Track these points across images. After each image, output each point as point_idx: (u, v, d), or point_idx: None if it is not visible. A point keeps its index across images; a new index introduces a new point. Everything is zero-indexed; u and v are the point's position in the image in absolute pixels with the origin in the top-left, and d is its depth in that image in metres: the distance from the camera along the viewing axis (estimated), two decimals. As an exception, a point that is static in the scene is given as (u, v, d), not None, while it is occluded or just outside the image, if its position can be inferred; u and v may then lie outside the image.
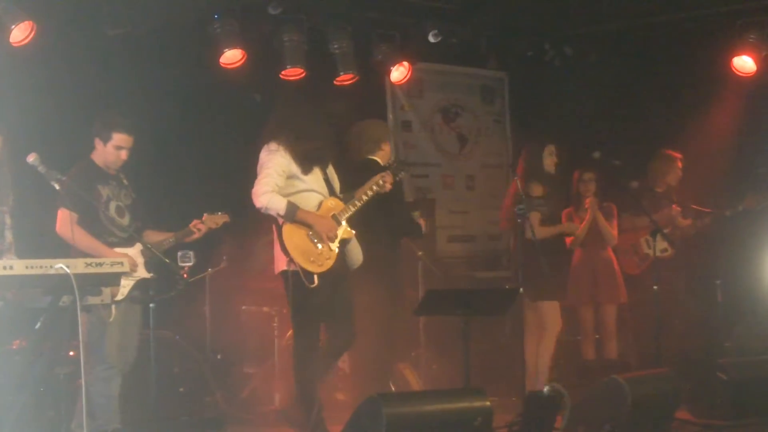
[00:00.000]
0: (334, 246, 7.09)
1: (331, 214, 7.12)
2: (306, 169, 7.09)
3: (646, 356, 8.95)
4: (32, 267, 5.50)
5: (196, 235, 7.12)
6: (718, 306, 9.46)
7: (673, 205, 9.32)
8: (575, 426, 6.95)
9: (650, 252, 8.94)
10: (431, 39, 9.70)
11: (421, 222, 8.15)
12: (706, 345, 9.33)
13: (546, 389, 6.80)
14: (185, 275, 6.89)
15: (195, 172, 9.04)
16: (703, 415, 7.86)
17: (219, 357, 8.95)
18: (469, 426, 6.24)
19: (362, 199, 7.28)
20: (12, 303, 5.96)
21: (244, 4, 8.91)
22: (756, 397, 7.74)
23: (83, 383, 5.92)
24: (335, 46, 9.39)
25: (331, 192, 7.25)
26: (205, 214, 7.19)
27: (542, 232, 8.60)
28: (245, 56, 8.91)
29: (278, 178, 6.97)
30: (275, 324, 8.77)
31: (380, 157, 7.96)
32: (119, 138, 6.94)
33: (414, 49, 9.88)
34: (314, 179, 7.16)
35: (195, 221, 7.15)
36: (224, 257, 8.84)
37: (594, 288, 9.19)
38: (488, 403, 6.39)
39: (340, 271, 7.16)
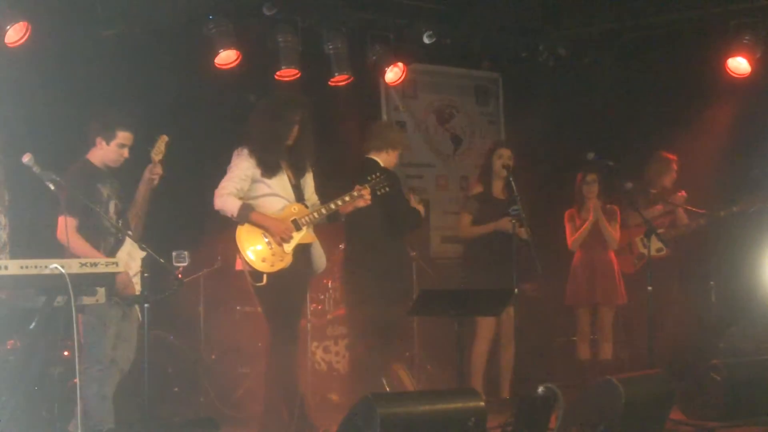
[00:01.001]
0: (288, 248, 7.20)
1: (292, 218, 7.24)
2: (268, 174, 7.25)
3: (640, 356, 8.97)
4: (27, 267, 5.50)
5: (156, 180, 6.97)
6: (711, 307, 9.48)
7: (681, 192, 9.35)
8: (569, 426, 6.95)
9: (645, 251, 8.95)
10: (426, 40, 9.70)
11: (419, 207, 8.18)
12: (700, 345, 9.34)
13: (540, 389, 6.81)
14: (180, 275, 6.89)
15: (187, 173, 9.03)
16: (696, 415, 7.87)
17: (213, 357, 8.96)
18: (463, 426, 6.24)
19: (330, 208, 7.37)
20: (6, 303, 5.94)
21: (239, 5, 8.91)
22: (749, 398, 7.76)
23: (78, 383, 5.92)
24: (330, 47, 9.39)
25: (299, 198, 7.37)
26: (151, 153, 6.98)
27: (471, 231, 8.69)
28: (240, 57, 8.91)
29: (240, 182, 7.20)
30: (269, 324, 8.77)
31: (382, 159, 7.99)
32: (123, 136, 6.90)
33: (408, 50, 9.88)
34: (280, 184, 7.30)
35: (148, 167, 6.97)
36: (218, 257, 8.85)
37: (591, 289, 9.19)
38: (482, 404, 6.39)
39: (296, 274, 7.28)
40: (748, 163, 9.90)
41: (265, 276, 7.14)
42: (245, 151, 7.26)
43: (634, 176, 9.08)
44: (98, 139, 6.91)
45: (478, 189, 8.81)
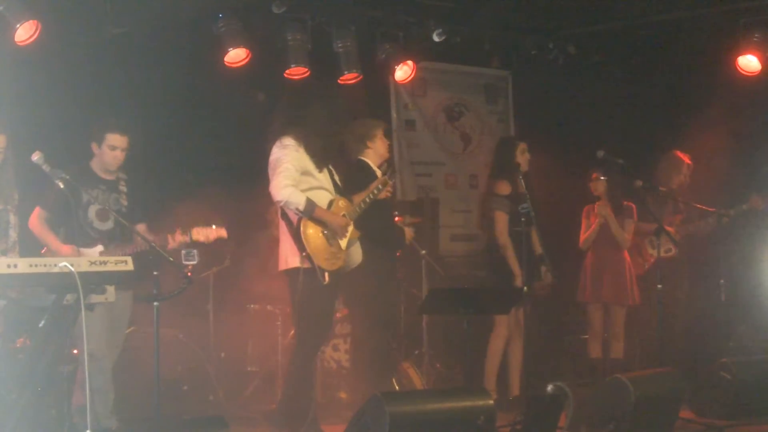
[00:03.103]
0: (344, 245, 7.13)
1: (342, 213, 7.15)
2: (320, 166, 7.11)
3: (650, 355, 8.96)
4: (36, 265, 5.50)
5: (169, 247, 6.99)
6: (721, 305, 9.45)
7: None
8: (579, 425, 6.95)
9: (654, 252, 8.94)
10: (435, 38, 9.68)
11: (407, 232, 8.13)
12: (710, 344, 9.33)
13: (549, 388, 6.81)
14: (189, 274, 6.88)
15: (199, 171, 9.05)
16: (706, 414, 7.87)
17: (222, 355, 8.97)
18: (472, 425, 6.24)
19: (366, 202, 7.31)
20: (16, 301, 5.97)
21: (248, 3, 8.91)
22: (759, 397, 7.75)
23: (87, 379, 5.94)
24: (339, 45, 9.37)
25: (338, 191, 7.26)
26: (192, 230, 7.09)
27: (507, 240, 8.53)
28: (249, 55, 8.90)
29: (296, 173, 6.97)
30: (278, 323, 8.78)
31: (369, 158, 7.90)
32: (112, 138, 7.04)
33: (418, 48, 9.87)
34: (325, 177, 7.18)
35: (176, 235, 7.05)
36: (228, 256, 8.85)
37: (599, 288, 9.13)
38: (491, 402, 6.39)
39: (341, 272, 7.21)
40: (758, 161, 9.87)
41: (327, 274, 6.98)
42: (292, 142, 7.02)
43: (644, 174, 9.06)
44: (93, 145, 7.14)
45: (505, 188, 8.65)
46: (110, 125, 7.07)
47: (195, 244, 7.05)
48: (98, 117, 7.25)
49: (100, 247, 6.97)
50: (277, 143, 7.05)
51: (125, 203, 7.17)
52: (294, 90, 7.51)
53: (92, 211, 7.03)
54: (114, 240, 7.02)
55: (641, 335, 9.54)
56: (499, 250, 8.58)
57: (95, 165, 7.15)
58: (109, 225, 7.06)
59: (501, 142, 9.17)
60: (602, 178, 9.11)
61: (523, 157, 8.64)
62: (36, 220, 7.03)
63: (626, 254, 9.22)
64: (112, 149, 7.06)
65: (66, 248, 6.84)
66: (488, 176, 9.00)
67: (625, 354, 9.27)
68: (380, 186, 7.39)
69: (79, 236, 6.90)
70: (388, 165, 7.71)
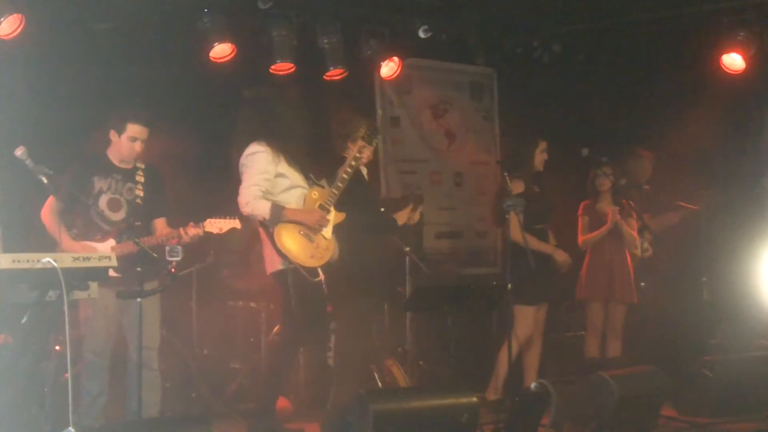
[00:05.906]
0: (328, 235, 7.18)
1: (318, 204, 7.18)
2: (291, 163, 7.15)
3: (633, 353, 8.97)
4: (19, 261, 5.48)
5: (185, 240, 6.96)
6: (704, 303, 9.48)
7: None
8: (561, 423, 6.96)
9: (637, 252, 8.96)
10: (421, 35, 9.68)
11: (415, 215, 8.09)
12: (692, 342, 9.35)
13: (533, 386, 6.82)
14: (173, 270, 6.87)
15: (181, 166, 9.01)
16: (688, 411, 7.91)
17: (206, 352, 8.95)
18: (455, 422, 6.25)
19: (344, 180, 7.29)
20: (-2, 297, 5.94)
21: (234, -1, 8.90)
22: (741, 394, 7.80)
23: (69, 378, 5.92)
24: (324, 41, 9.36)
25: (310, 182, 7.29)
26: (208, 219, 7.05)
27: (525, 237, 8.36)
28: (234, 50, 8.89)
29: (263, 183, 7.06)
30: (262, 319, 8.77)
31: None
32: (133, 129, 6.97)
33: (403, 45, 9.86)
34: (295, 175, 7.22)
35: (190, 225, 7.03)
36: (212, 252, 8.83)
37: (609, 286, 9.07)
38: (475, 400, 6.41)
39: (332, 262, 7.28)
40: (741, 159, 9.91)
41: (320, 269, 7.10)
42: (263, 147, 7.11)
43: (627, 173, 9.10)
44: (112, 132, 7.04)
45: (518, 186, 8.48)
46: (132, 115, 6.99)
47: (206, 236, 7.06)
48: (121, 105, 7.19)
49: (111, 242, 6.93)
50: (246, 150, 7.15)
51: (141, 194, 7.11)
52: (259, 97, 7.50)
53: (104, 200, 6.96)
54: (126, 231, 6.90)
55: (624, 333, 9.54)
56: (518, 248, 8.34)
57: (112, 154, 7.08)
58: (120, 215, 7.00)
59: (521, 139, 8.95)
60: (609, 174, 9.07)
61: (541, 156, 8.63)
62: (48, 211, 6.95)
63: (627, 252, 9.18)
64: (131, 140, 6.99)
65: (77, 246, 6.78)
66: (502, 172, 8.76)
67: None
68: (357, 155, 7.38)
69: (90, 229, 6.88)
70: (366, 128, 7.63)
